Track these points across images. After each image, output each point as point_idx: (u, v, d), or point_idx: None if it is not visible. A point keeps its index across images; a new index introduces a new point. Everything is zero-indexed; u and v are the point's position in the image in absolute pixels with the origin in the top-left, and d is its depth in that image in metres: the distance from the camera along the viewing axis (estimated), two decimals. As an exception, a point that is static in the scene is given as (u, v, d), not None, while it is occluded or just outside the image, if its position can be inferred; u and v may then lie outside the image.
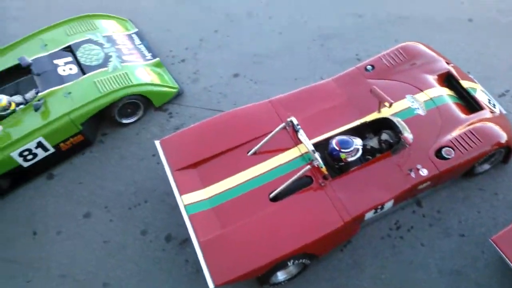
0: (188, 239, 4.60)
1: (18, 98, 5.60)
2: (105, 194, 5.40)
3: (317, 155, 4.18)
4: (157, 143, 4.78)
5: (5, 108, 5.31)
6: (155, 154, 5.40)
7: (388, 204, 4.33)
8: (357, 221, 4.24)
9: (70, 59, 5.92)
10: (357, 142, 4.30)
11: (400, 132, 4.47)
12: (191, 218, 4.18)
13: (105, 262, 4.89)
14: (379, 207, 4.26)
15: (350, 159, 4.30)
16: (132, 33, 6.61)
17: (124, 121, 5.88)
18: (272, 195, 4.23)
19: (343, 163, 4.35)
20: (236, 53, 6.59)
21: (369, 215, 4.28)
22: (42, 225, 5.28)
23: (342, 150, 4.23)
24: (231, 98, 6.08)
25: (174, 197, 4.39)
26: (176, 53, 6.66)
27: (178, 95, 6.12)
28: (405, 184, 4.29)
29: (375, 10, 6.96)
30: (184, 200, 4.30)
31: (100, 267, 4.86)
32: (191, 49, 6.70)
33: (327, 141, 4.45)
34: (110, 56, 5.92)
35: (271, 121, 4.75)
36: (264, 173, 4.42)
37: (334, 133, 4.58)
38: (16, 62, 5.76)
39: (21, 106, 5.47)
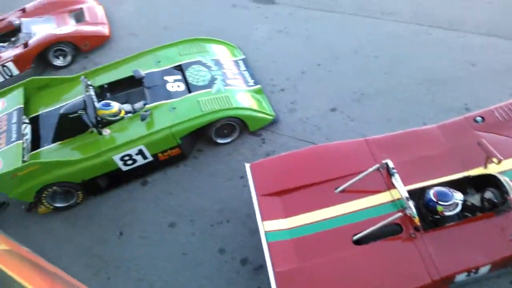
0: (263, 266, 4.55)
1: (127, 107, 6.05)
2: (191, 208, 5.59)
3: (411, 203, 3.96)
4: (247, 166, 4.86)
5: (115, 114, 5.76)
6: (243, 177, 5.48)
7: (484, 269, 3.93)
8: (446, 282, 3.89)
9: (179, 77, 6.32)
10: (458, 196, 3.99)
11: (507, 192, 4.08)
12: (269, 245, 4.15)
13: (181, 274, 5.00)
14: (473, 270, 3.89)
15: (447, 213, 4.00)
16: (239, 59, 6.90)
17: (219, 140, 6.09)
18: (356, 237, 4.06)
19: (438, 217, 4.06)
20: (336, 88, 6.56)
21: (461, 277, 3.92)
22: (129, 228, 5.58)
23: (440, 203, 3.96)
24: (325, 132, 6.03)
25: (256, 221, 4.39)
26: (277, 82, 6.80)
27: (274, 122, 6.21)
28: (507, 250, 3.87)
29: (490, 60, 6.54)
30: (265, 226, 4.29)
31: (176, 277, 4.99)
32: (292, 80, 6.80)
33: (424, 190, 4.19)
34: (216, 79, 6.21)
35: (364, 160, 4.61)
36: (350, 212, 4.28)
37: (432, 183, 4.30)
38: (130, 73, 6.27)
39: (129, 115, 5.90)
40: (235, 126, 6.01)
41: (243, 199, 5.40)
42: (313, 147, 5.07)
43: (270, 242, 4.17)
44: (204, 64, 6.45)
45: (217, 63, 6.56)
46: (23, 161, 5.43)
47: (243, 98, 6.06)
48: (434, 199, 3.99)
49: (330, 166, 4.67)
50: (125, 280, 5.09)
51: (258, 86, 6.45)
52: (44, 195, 5.63)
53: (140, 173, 5.96)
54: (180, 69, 6.44)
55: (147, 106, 5.90)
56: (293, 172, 4.70)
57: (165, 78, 6.24)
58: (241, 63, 6.83)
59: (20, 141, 5.65)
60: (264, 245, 4.16)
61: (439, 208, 3.98)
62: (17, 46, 7.79)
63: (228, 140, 6.14)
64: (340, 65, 6.89)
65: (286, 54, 7.23)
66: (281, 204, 4.48)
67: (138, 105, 6.08)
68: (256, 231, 4.42)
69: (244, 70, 6.68)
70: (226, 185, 5.72)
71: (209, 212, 5.49)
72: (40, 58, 7.83)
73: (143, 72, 6.20)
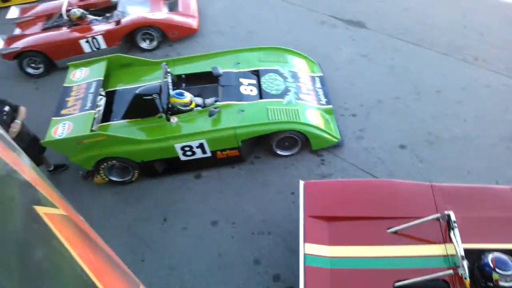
0: (294, 288, 4.43)
1: (199, 100, 6.17)
2: (236, 211, 5.57)
3: (465, 263, 3.66)
4: (301, 183, 4.76)
5: (186, 105, 5.88)
6: (294, 193, 5.39)
7: None
8: None
9: (254, 81, 6.35)
10: (519, 268, 3.65)
11: None
12: (306, 269, 4.01)
13: (212, 273, 4.99)
14: None
15: (502, 283, 3.66)
16: (316, 76, 6.82)
17: (279, 152, 6.03)
18: (398, 284, 3.82)
19: (492, 285, 3.72)
20: (410, 126, 6.29)
21: None
22: (173, 216, 5.66)
23: (498, 270, 3.63)
24: (389, 167, 5.78)
25: (297, 240, 4.28)
26: (350, 106, 6.64)
27: (337, 145, 6.06)
28: None
29: None
30: (306, 249, 4.16)
31: (206, 275, 4.98)
32: (366, 107, 6.62)
33: (482, 252, 3.87)
34: (289, 91, 6.17)
35: (425, 206, 4.34)
36: (398, 257, 4.04)
37: (493, 247, 3.95)
38: (209, 69, 6.39)
39: (199, 108, 6.00)
40: (297, 140, 5.93)
41: (289, 215, 5.31)
42: (373, 180, 4.88)
43: (308, 266, 4.03)
44: (281, 74, 6.44)
45: (294, 75, 6.52)
46: (91, 130, 5.68)
47: (312, 115, 5.97)
48: (492, 265, 3.67)
49: (387, 204, 4.45)
50: (158, 265, 5.15)
51: (330, 106, 6.33)
52: (103, 166, 5.85)
53: (196, 166, 6.04)
54: (256, 74, 6.47)
55: (217, 103, 5.98)
56: (347, 200, 4.54)
57: (241, 80, 6.30)
58: (317, 80, 6.75)
59: (93, 111, 5.91)
60: (301, 267, 4.03)
61: (495, 276, 3.65)
62: (110, 22, 8.22)
63: (288, 153, 6.07)
64: (419, 103, 6.60)
65: (366, 80, 7.06)
66: (328, 230, 4.33)
67: (209, 100, 6.17)
68: (295, 250, 4.31)
69: (319, 88, 6.59)
70: (276, 198, 5.65)
71: (253, 220, 5.44)
72: (128, 38, 8.22)
73: (221, 70, 6.30)
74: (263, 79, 6.34)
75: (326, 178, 5.69)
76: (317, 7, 8.67)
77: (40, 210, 1.56)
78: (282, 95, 6.09)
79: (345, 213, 4.42)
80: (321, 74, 6.93)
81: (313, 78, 6.74)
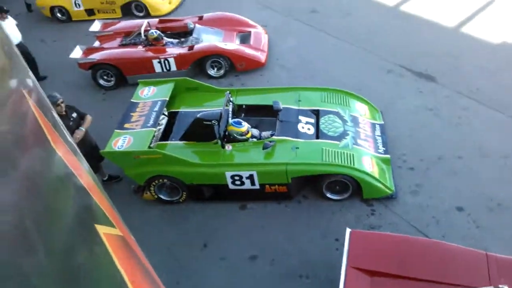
0: None
1: (255, 132, 6.21)
2: (277, 248, 5.46)
3: None
4: (348, 231, 4.60)
5: (242, 134, 5.94)
6: (339, 240, 5.23)
7: None
8: None
9: (312, 120, 6.32)
10: None
11: None
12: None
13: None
14: None
15: None
16: (377, 124, 6.68)
17: (328, 195, 5.90)
18: None
19: None
20: (471, 188, 5.95)
21: None
22: (213, 243, 5.64)
23: None
24: (443, 228, 5.47)
25: (336, 291, 4.10)
26: (408, 159, 6.42)
27: (390, 197, 5.84)
28: None
29: None
30: (344, 301, 3.97)
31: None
32: (426, 162, 6.36)
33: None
34: (347, 134, 6.08)
35: (477, 276, 4.04)
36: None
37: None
38: (270, 103, 6.44)
39: (254, 139, 6.04)
40: (349, 186, 5.77)
41: (330, 262, 5.12)
42: (425, 239, 4.63)
43: (344, 320, 3.84)
44: (341, 117, 6.38)
45: (354, 120, 6.44)
46: (149, 147, 5.85)
47: (367, 162, 5.82)
48: None
49: (437, 267, 4.18)
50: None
51: (388, 156, 6.15)
52: (154, 183, 5.98)
53: (243, 197, 6.03)
54: (316, 113, 6.45)
55: (273, 137, 5.99)
56: (394, 257, 4.31)
57: (299, 117, 6.30)
58: (378, 127, 6.61)
59: (154, 129, 6.11)
60: (336, 320, 3.84)
61: None
62: (183, 47, 8.58)
63: (337, 197, 5.92)
64: (483, 166, 6.26)
65: (428, 134, 6.82)
66: (369, 285, 4.12)
67: (265, 133, 6.20)
68: (332, 300, 4.12)
69: (379, 136, 6.44)
70: (319, 241, 5.48)
71: (292, 260, 5.30)
72: (197, 63, 8.52)
73: (281, 105, 6.34)
74: (322, 120, 6.30)
75: (374, 230, 5.47)
76: (387, 55, 8.59)
77: (100, 229, 1.59)
78: (340, 138, 6.01)
79: (391, 269, 4.20)
80: (382, 122, 6.78)
81: (373, 125, 6.61)
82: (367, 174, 5.68)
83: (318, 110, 6.49)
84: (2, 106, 1.31)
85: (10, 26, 8.52)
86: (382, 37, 9.14)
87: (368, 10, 10.10)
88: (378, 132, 6.51)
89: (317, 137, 6.02)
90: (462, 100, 7.43)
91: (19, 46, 8.55)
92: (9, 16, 8.55)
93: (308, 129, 6.15)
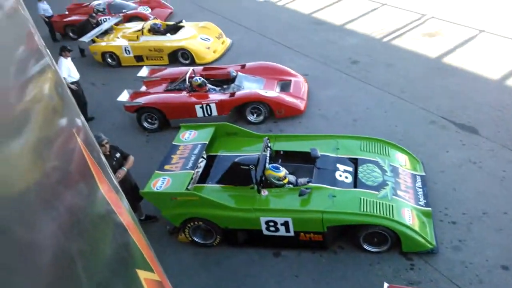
0: None
1: (292, 178, 6.19)
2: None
3: None
4: (385, 285, 4.40)
5: (280, 179, 5.93)
6: (376, 294, 5.02)
7: None
8: None
9: (350, 169, 6.25)
10: None
11: None
12: None
13: None
14: None
15: None
16: (418, 175, 6.52)
17: (366, 246, 5.71)
18: None
19: None
20: (518, 247, 5.63)
21: None
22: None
23: None
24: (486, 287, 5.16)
25: None
26: (450, 213, 6.18)
27: (431, 252, 5.59)
28: None
29: None
30: None
31: None
32: (469, 216, 6.10)
33: None
34: (387, 185, 5.96)
35: None
36: None
37: None
38: (307, 150, 6.44)
39: (290, 185, 6.01)
40: (387, 238, 5.58)
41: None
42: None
43: None
44: (380, 167, 6.28)
45: (394, 170, 6.32)
46: (187, 189, 5.94)
47: (407, 214, 5.64)
48: None
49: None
50: None
51: (429, 208, 5.95)
52: (189, 225, 6.02)
53: (277, 243, 5.94)
54: (354, 162, 6.39)
55: (310, 184, 5.95)
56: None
57: (337, 165, 6.25)
58: (419, 179, 6.44)
59: (192, 171, 6.22)
60: None
61: None
62: (225, 93, 8.84)
63: (375, 249, 5.72)
64: (532, 224, 5.94)
65: (472, 188, 6.57)
66: None
67: (302, 180, 6.17)
68: None
69: (420, 187, 6.27)
70: (354, 294, 5.28)
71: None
72: (237, 109, 8.72)
73: (319, 153, 6.33)
74: (360, 169, 6.23)
75: (413, 286, 5.22)
76: (429, 106, 8.50)
77: (141, 275, 1.63)
78: (378, 188, 5.89)
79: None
80: (423, 174, 6.61)
81: (414, 176, 6.46)
82: (407, 226, 5.49)
83: (356, 159, 6.43)
84: (52, 143, 1.39)
85: (71, 64, 9.25)
86: (424, 88, 9.08)
87: (410, 61, 10.13)
88: (419, 184, 6.34)
89: (355, 186, 5.93)
90: (507, 153, 7.17)
91: (77, 83, 9.21)
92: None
93: (346, 177, 6.08)
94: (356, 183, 5.99)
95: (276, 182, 5.94)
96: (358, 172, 6.17)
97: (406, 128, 8.03)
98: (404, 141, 7.34)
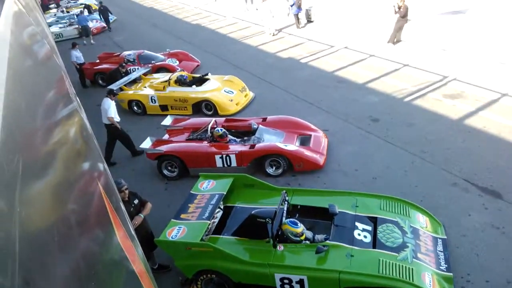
0: None
1: (309, 234, 6.07)
2: None
3: None
4: None
5: (297, 235, 5.81)
6: None
7: None
8: None
9: (369, 228, 6.10)
10: None
11: None
12: None
13: None
14: None
15: None
16: (439, 238, 6.31)
17: (383, 311, 5.46)
18: None
19: None
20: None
21: None
22: None
23: None
24: None
25: None
26: (473, 280, 5.90)
27: (452, 322, 5.30)
28: None
29: None
30: None
31: None
32: (492, 285, 5.79)
33: None
34: (407, 246, 5.77)
35: None
36: None
37: None
38: (325, 206, 6.35)
39: (307, 242, 5.88)
40: (407, 303, 5.34)
41: None
42: None
43: None
44: (400, 227, 6.11)
45: (415, 231, 6.13)
46: (202, 239, 5.86)
47: (427, 279, 5.41)
48: None
49: None
50: None
51: (450, 274, 5.70)
52: (202, 277, 5.89)
53: (291, 302, 5.73)
54: (374, 221, 6.24)
55: (327, 241, 5.81)
56: None
57: (356, 223, 6.12)
58: (440, 242, 6.23)
59: (208, 222, 6.17)
60: None
61: None
62: (245, 145, 8.91)
63: (394, 314, 5.46)
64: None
65: (496, 254, 6.30)
66: None
67: (319, 237, 6.04)
68: None
69: (441, 251, 6.05)
70: None
71: None
72: (256, 161, 8.74)
73: (337, 209, 6.23)
74: (380, 228, 6.07)
75: None
76: (451, 167, 8.37)
77: None
78: (398, 249, 5.70)
79: None
80: (445, 237, 6.40)
81: (435, 239, 6.25)
82: (427, 292, 5.25)
83: (376, 218, 6.28)
84: (73, 186, 1.41)
85: (115, 106, 9.85)
86: (445, 149, 8.99)
87: (431, 122, 10.11)
88: (440, 247, 6.12)
89: (374, 246, 5.76)
90: (534, 220, 6.92)
91: (119, 123, 9.86)
92: None
93: (365, 236, 5.93)
94: (375, 243, 5.82)
95: (293, 237, 5.82)
96: (377, 231, 6.01)
97: (427, 188, 7.88)
98: (424, 202, 7.18)
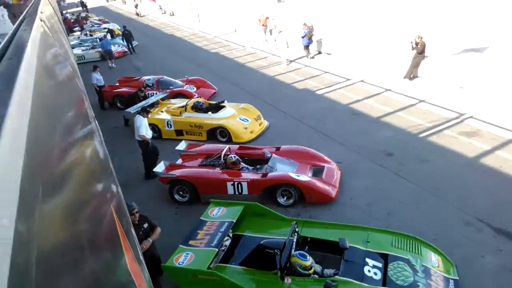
0: None
1: (317, 268, 5.97)
2: None
3: None
4: None
5: (306, 268, 5.72)
6: None
7: None
8: None
9: (380, 265, 5.98)
10: None
11: None
12: None
13: None
14: None
15: None
16: (451, 279, 6.15)
17: None
18: None
19: None
20: None
21: None
22: None
23: None
24: None
25: None
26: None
27: None
28: None
29: None
30: None
31: None
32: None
33: None
34: (417, 286, 5.63)
35: None
36: None
37: None
38: (336, 239, 6.26)
39: (315, 276, 5.78)
40: None
41: None
42: None
43: None
44: (412, 266, 5.97)
45: (426, 271, 5.99)
46: (209, 267, 5.80)
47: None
48: None
49: None
50: None
51: (461, 318, 5.53)
52: (207, 306, 5.79)
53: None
54: (385, 258, 6.12)
55: (336, 276, 5.70)
56: None
57: (367, 259, 6.01)
58: (452, 283, 6.06)
59: (216, 249, 6.12)
60: None
61: None
62: (258, 173, 8.91)
63: None
64: None
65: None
66: None
67: (328, 271, 5.94)
68: None
69: (453, 293, 5.88)
70: None
71: None
72: (268, 190, 8.70)
73: (348, 244, 6.13)
74: (390, 266, 5.94)
75: None
76: (465, 206, 8.21)
77: None
78: (408, 288, 5.57)
79: None
80: (457, 278, 6.23)
81: (447, 280, 6.09)
82: (438, 335, 5.08)
83: (387, 255, 6.17)
84: (85, 206, 1.43)
85: (147, 123, 10.20)
86: (460, 187, 8.85)
87: (446, 159, 10.00)
88: (451, 288, 5.96)
89: (384, 284, 5.63)
90: (551, 266, 6.70)
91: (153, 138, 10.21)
92: None
93: (375, 273, 5.81)
94: (385, 280, 5.70)
95: (301, 270, 5.73)
96: (388, 269, 5.89)
97: (440, 227, 7.73)
98: (437, 241, 7.03)
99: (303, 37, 18.89)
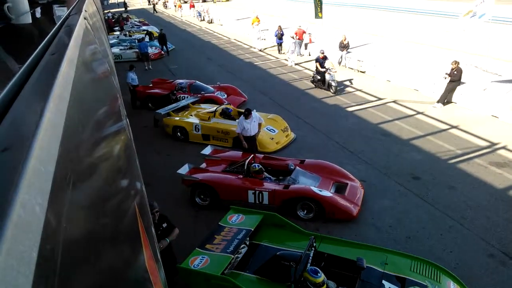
0: None
1: (332, 285, 5.87)
2: None
3: None
4: None
5: (317, 285, 5.65)
6: None
7: None
8: None
9: (397, 289, 5.87)
10: None
11: None
12: None
13: None
14: None
15: None
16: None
17: None
18: None
19: None
20: None
21: None
22: None
23: None
24: None
25: None
26: None
27: None
28: None
29: None
30: None
31: None
32: None
33: None
34: (433, 314, 5.49)
35: None
36: None
37: None
38: (353, 258, 6.16)
39: (329, 293, 5.71)
40: None
41: None
42: None
43: None
44: (428, 293, 5.84)
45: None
46: (223, 273, 5.81)
47: None
48: None
49: None
50: None
51: None
52: (218, 311, 5.80)
53: None
54: (402, 282, 5.99)
55: (350, 294, 5.62)
56: None
57: (383, 282, 5.90)
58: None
59: (232, 256, 6.13)
60: None
61: None
62: (280, 184, 8.90)
63: None
64: None
65: None
66: None
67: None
68: None
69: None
70: None
71: None
72: (289, 201, 8.67)
73: (365, 264, 6.04)
74: (410, 291, 5.81)
75: None
76: (490, 238, 7.97)
77: None
78: (423, 316, 5.43)
79: None
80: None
81: (464, 311, 5.92)
82: None
83: (404, 279, 6.04)
84: (109, 201, 1.47)
85: (249, 124, 10.72)
86: (486, 218, 8.61)
87: (474, 188, 9.75)
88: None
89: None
90: None
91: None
92: None
93: (390, 297, 5.69)
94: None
95: (312, 287, 5.67)
96: (409, 294, 5.76)
97: (461, 256, 7.52)
98: (458, 270, 6.85)
99: (275, 36, 24.32)
